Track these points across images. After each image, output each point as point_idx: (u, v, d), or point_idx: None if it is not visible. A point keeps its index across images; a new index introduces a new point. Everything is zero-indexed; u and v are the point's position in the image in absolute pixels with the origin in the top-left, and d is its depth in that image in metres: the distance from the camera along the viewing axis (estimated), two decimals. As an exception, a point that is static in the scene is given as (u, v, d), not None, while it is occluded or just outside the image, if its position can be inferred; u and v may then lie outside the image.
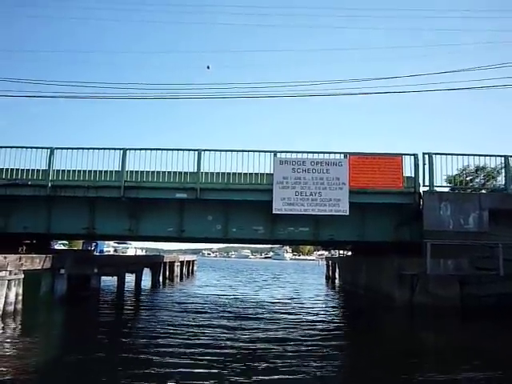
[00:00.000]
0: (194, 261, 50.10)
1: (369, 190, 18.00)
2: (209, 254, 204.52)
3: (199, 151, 18.32)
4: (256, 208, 19.45)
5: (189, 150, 18.43)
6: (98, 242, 53.44)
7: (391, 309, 18.35)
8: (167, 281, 35.62)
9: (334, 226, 19.78)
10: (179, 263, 40.55)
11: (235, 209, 19.81)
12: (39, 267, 15.84)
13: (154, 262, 31.91)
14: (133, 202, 18.97)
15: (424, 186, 18.08)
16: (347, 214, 17.80)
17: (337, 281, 38.27)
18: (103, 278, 26.21)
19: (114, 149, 18.57)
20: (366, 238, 19.81)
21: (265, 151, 18.29)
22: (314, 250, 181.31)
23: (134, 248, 70.48)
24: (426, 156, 18.00)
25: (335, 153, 18.53)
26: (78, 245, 76.40)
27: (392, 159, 18.15)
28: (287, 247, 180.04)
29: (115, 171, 18.52)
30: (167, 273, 36.40)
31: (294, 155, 18.42)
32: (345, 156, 18.25)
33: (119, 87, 39.67)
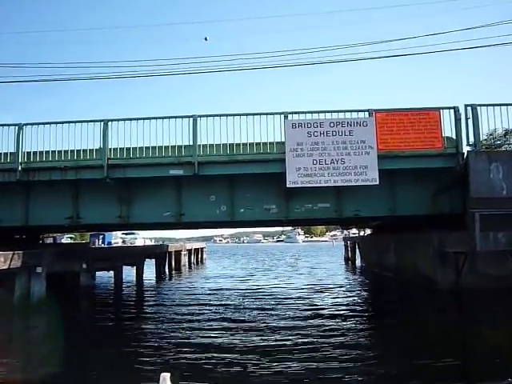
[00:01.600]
0: (202, 248, 47.35)
1: (401, 154, 14.90)
2: (220, 241, 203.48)
3: (194, 117, 15.26)
4: (267, 183, 16.50)
5: (182, 116, 15.40)
6: (106, 233, 51.58)
7: (433, 293, 15.36)
8: (174, 272, 32.90)
9: (360, 200, 16.74)
10: (186, 252, 37.84)
11: (242, 185, 16.83)
12: (5, 267, 12.93)
13: (157, 253, 29.05)
14: (121, 183, 16.03)
15: (468, 145, 14.95)
16: (377, 183, 14.75)
17: (357, 262, 35.32)
18: (100, 273, 23.73)
19: (94, 121, 15.60)
20: (399, 211, 16.75)
21: (273, 113, 15.22)
22: (327, 231, 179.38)
23: (142, 238, 67.75)
24: (469, 108, 14.83)
25: (358, 111, 15.39)
26: (87, 237, 74.40)
27: (428, 114, 14.99)
28: (299, 229, 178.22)
29: (96, 149, 15.58)
30: (173, 263, 33.64)
31: (308, 117, 15.32)
32: (370, 114, 15.11)
33: (112, 64, 36.46)
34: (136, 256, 24.11)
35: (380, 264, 24.92)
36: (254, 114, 15.16)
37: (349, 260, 38.74)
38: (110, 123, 15.45)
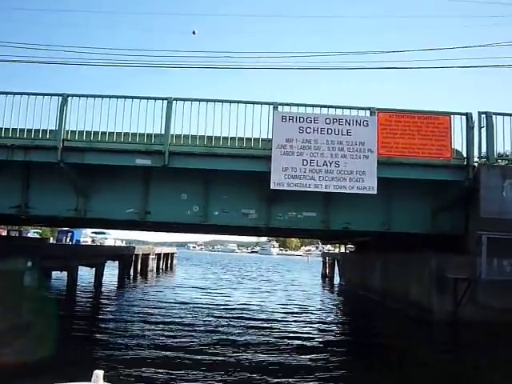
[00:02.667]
0: (173, 254, 44.80)
1: (404, 161, 12.99)
2: (194, 248, 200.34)
3: (169, 100, 13.12)
4: (247, 184, 14.44)
5: (155, 98, 13.26)
6: (75, 231, 49.08)
7: (427, 324, 13.43)
8: (139, 277, 30.45)
9: (351, 211, 14.77)
10: (155, 256, 35.34)
11: (219, 184, 14.71)
12: None
13: (121, 255, 26.57)
14: (78, 170, 13.73)
15: (480, 157, 13.13)
16: (375, 192, 12.78)
17: (336, 280, 33.33)
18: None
19: (51, 95, 13.34)
20: (394, 227, 14.82)
21: (261, 103, 13.17)
22: (301, 246, 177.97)
23: (113, 239, 64.76)
24: (483, 116, 13.03)
25: (358, 108, 13.42)
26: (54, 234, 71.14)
27: (437, 119, 13.12)
28: (274, 242, 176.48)
29: (51, 130, 13.30)
30: (139, 267, 31.19)
31: (301, 110, 13.32)
32: (372, 113, 13.18)
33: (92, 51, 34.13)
34: (95, 257, 21.67)
35: (363, 284, 22.95)
36: (238, 102, 13.11)
37: (326, 277, 36.74)
38: (69, 99, 13.21)
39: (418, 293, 14.86)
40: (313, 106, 13.40)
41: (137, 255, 30.87)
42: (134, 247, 32.31)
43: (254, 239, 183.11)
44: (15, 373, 6.71)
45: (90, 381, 3.37)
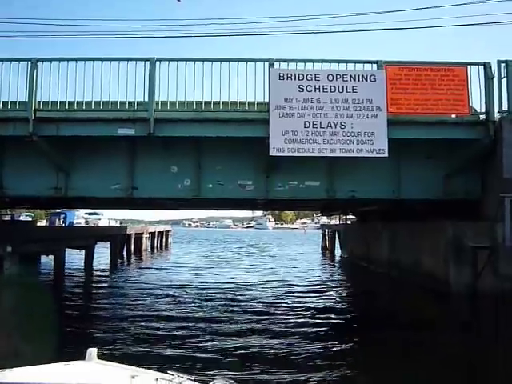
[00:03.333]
0: (168, 232, 43.60)
1: (419, 119, 11.68)
2: (189, 225, 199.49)
3: (152, 61, 11.65)
4: (243, 152, 13.16)
5: (136, 59, 11.78)
6: (67, 212, 47.89)
7: (442, 297, 12.31)
8: (133, 257, 29.27)
9: (357, 179, 13.50)
10: (149, 235, 34.14)
11: (211, 154, 13.39)
12: None
13: (112, 235, 25.27)
14: (55, 144, 12.33)
15: (501, 112, 11.82)
16: (386, 155, 11.47)
17: (337, 253, 32.29)
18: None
19: (20, 60, 11.88)
20: (404, 194, 13.56)
21: (255, 60, 11.77)
22: (297, 218, 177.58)
23: (107, 219, 63.39)
24: (503, 65, 11.68)
25: (364, 62, 12.01)
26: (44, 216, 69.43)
27: (452, 70, 11.76)
28: (270, 216, 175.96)
29: (21, 102, 11.86)
30: (132, 247, 29.99)
31: (300, 67, 11.89)
32: (379, 66, 11.78)
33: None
34: (84, 238, 20.39)
35: (367, 257, 21.85)
36: (229, 60, 11.70)
37: (326, 250, 35.67)
38: (40, 64, 11.72)
39: (432, 264, 13.74)
40: (312, 61, 11.99)
41: (129, 235, 29.64)
42: (126, 227, 31.06)
43: (249, 214, 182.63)
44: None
45: (83, 359, 3.53)
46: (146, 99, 11.65)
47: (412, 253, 15.51)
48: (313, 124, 11.29)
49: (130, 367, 3.44)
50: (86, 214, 58.31)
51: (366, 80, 11.49)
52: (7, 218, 45.41)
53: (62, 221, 45.77)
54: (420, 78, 11.66)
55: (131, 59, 11.73)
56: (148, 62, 11.64)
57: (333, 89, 11.41)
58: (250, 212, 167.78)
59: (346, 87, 11.43)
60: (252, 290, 15.94)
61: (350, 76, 11.49)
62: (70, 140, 12.53)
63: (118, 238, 25.99)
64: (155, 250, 36.67)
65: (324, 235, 37.12)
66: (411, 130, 11.81)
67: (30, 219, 66.32)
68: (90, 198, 14.49)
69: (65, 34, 14.52)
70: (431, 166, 13.44)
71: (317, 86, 11.40)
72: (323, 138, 11.28)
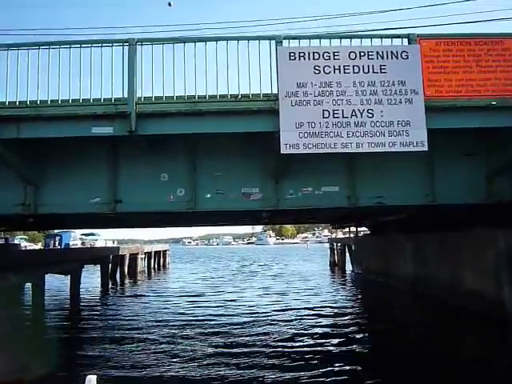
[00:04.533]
0: (165, 251, 41.18)
1: (466, 103, 9.44)
2: (189, 243, 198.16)
3: (132, 43, 9.43)
4: (247, 153, 11.07)
5: (111, 41, 9.58)
6: (62, 233, 46.14)
7: (498, 324, 10.03)
8: (128, 280, 26.88)
9: (383, 181, 11.29)
10: (144, 255, 31.72)
11: (209, 157, 11.20)
12: None
13: (103, 256, 22.87)
14: (20, 150, 10.12)
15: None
16: (425, 148, 9.20)
17: (348, 268, 29.87)
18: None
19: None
20: (440, 198, 11.28)
21: (258, 38, 9.57)
22: (298, 233, 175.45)
23: (103, 240, 61.34)
24: None
25: (392, 36, 9.80)
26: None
27: (501, 43, 9.57)
28: (270, 231, 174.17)
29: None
30: (126, 269, 27.62)
31: (314, 43, 9.69)
32: (411, 41, 9.58)
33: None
34: (69, 262, 18.03)
35: (386, 272, 19.53)
36: (227, 39, 9.50)
37: (335, 265, 33.20)
38: (-5, 51, 9.54)
39: (477, 281, 11.48)
40: (329, 36, 9.78)
41: (123, 256, 27.26)
42: (119, 247, 28.68)
43: (249, 230, 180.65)
44: None
45: None
46: (126, 92, 9.45)
47: (447, 268, 13.24)
48: (333, 113, 9.07)
49: None
50: (82, 235, 56.80)
51: (397, 57, 9.30)
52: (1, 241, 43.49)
53: (57, 243, 43.70)
54: (462, 54, 9.47)
55: (106, 42, 9.51)
56: (127, 46, 9.45)
57: (356, 69, 9.21)
58: (250, 228, 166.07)
59: (373, 67, 9.24)
60: (264, 323, 13.16)
61: (377, 53, 9.29)
62: (37, 145, 10.36)
63: (109, 259, 23.58)
64: (152, 271, 34.22)
65: (332, 250, 34.62)
66: (454, 118, 9.56)
67: (25, 242, 64.57)
68: (65, 215, 12.15)
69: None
70: (471, 163, 11.21)
71: (336, 67, 9.20)
72: (347, 129, 9.05)
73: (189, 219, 16.91)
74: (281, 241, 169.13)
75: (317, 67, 9.19)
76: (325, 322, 13.23)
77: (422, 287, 15.05)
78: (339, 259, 32.35)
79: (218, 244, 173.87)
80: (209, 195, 11.20)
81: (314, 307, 15.53)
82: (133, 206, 11.21)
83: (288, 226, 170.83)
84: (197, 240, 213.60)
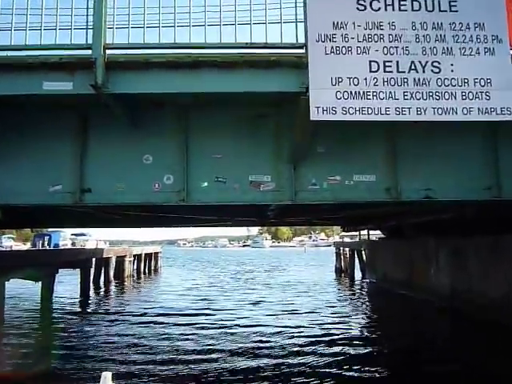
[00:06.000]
0: (157, 253, 38.36)
1: None
2: (184, 244, 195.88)
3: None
4: (256, 127, 8.33)
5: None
6: (52, 233, 43.79)
7: None
8: (113, 286, 24.10)
9: (432, 169, 8.62)
10: (132, 258, 28.92)
11: (206, 132, 8.49)
12: None
13: (82, 260, 20.01)
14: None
15: None
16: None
17: (357, 276, 27.16)
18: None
19: None
20: (506, 192, 8.65)
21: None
22: (294, 236, 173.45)
23: (95, 240, 58.66)
24: None
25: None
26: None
27: None
28: (266, 234, 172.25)
29: None
30: (111, 274, 24.85)
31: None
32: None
33: None
34: (38, 266, 15.23)
35: (409, 283, 16.85)
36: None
37: (342, 272, 30.44)
38: None
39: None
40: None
41: (107, 259, 24.45)
42: (103, 249, 25.87)
43: (244, 233, 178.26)
44: None
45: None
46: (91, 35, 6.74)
47: (500, 280, 10.56)
48: (384, 66, 6.38)
49: None
50: (72, 235, 54.47)
51: (472, -9, 6.64)
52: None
53: (46, 243, 41.01)
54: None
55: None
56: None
57: (416, 6, 6.52)
58: (246, 230, 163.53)
59: (439, 3, 6.56)
60: (274, 353, 10.30)
61: (445, -16, 6.63)
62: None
63: (90, 263, 20.75)
64: (142, 275, 31.42)
65: (338, 255, 31.78)
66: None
67: (12, 242, 62.05)
68: (15, 206, 9.36)
69: None
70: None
71: (389, 1, 6.52)
72: (403, 89, 6.37)
73: (179, 217, 14.07)
74: (277, 244, 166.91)
75: (361, 2, 6.51)
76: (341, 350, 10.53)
77: (463, 304, 12.38)
78: (346, 265, 29.61)
79: (216, 246, 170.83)
80: (206, 184, 8.49)
81: (329, 327, 12.72)
82: (105, 196, 8.46)
83: (284, 229, 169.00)
84: (192, 242, 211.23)
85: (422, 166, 8.61)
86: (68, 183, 8.40)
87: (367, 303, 18.23)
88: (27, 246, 56.96)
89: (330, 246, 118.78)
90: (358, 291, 21.82)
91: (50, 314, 14.65)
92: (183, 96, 7.62)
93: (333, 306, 16.71)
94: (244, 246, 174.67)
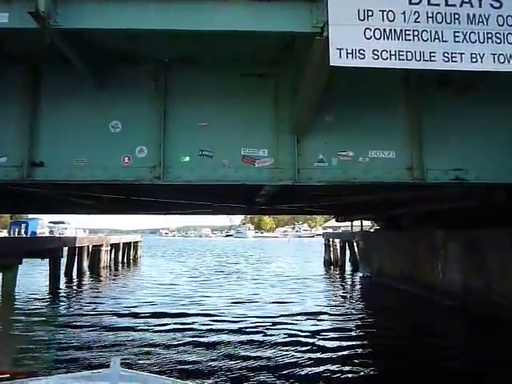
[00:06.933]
0: (137, 243, 36.54)
1: None
2: (166, 234, 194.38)
3: None
4: (250, 87, 6.74)
5: None
6: (29, 220, 42.31)
7: None
8: (88, 278, 22.34)
9: (463, 147, 7.09)
10: (109, 247, 27.10)
11: (189, 94, 6.87)
12: None
13: (51, 249, 18.10)
14: None
15: None
16: None
17: (347, 268, 25.76)
18: None
19: None
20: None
21: None
22: (277, 227, 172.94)
23: (74, 228, 56.67)
24: None
25: None
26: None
27: None
28: (249, 224, 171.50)
29: None
30: (85, 264, 23.07)
31: None
32: None
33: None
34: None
35: (410, 278, 15.42)
36: None
37: (331, 264, 28.96)
38: None
39: None
40: None
41: (81, 248, 22.60)
42: (75, 237, 23.99)
43: (227, 222, 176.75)
44: None
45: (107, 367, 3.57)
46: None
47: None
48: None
49: (156, 376, 4.02)
50: (50, 222, 52.70)
51: None
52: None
53: (23, 230, 39.58)
54: None
55: None
56: None
57: None
58: (229, 220, 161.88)
59: None
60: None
61: None
62: None
63: (60, 253, 18.88)
64: (120, 266, 29.63)
65: (328, 246, 30.26)
66: None
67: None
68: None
69: None
70: None
71: None
72: (453, 28, 4.77)
73: (155, 202, 12.24)
74: (260, 234, 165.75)
75: None
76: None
77: (479, 303, 10.95)
78: (336, 258, 28.17)
79: (200, 236, 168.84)
80: (187, 158, 6.84)
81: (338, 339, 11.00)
82: (61, 172, 6.75)
83: (267, 219, 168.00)
84: (174, 231, 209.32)
85: (453, 140, 7.07)
86: (14, 155, 6.68)
87: (367, 300, 16.52)
88: (3, 234, 54.76)
89: (313, 236, 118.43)
90: (354, 287, 20.23)
91: (10, 314, 12.78)
92: (161, 47, 6.05)
93: (331, 306, 14.92)
94: (227, 236, 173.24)
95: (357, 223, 24.93)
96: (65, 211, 20.80)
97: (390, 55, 4.65)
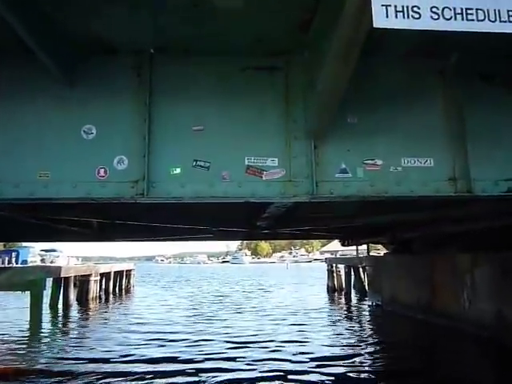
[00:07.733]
0: (130, 271, 34.85)
1: None
2: (162, 261, 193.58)
3: None
4: (256, 82, 5.49)
5: None
6: (20, 249, 41.14)
7: None
8: (75, 312, 20.72)
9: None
10: (99, 277, 25.48)
11: (179, 91, 5.55)
12: None
13: (33, 281, 16.46)
14: None
15: None
16: None
17: (353, 296, 24.19)
18: None
19: None
20: None
21: None
22: (273, 252, 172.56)
23: (67, 256, 55.09)
24: None
25: None
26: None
27: None
28: (246, 250, 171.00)
29: None
30: (72, 296, 21.48)
31: None
32: None
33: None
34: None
35: (429, 307, 13.96)
36: None
37: (335, 291, 27.31)
38: None
39: None
40: None
41: (67, 279, 21.01)
42: (61, 267, 22.40)
43: (224, 249, 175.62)
44: None
45: None
46: None
47: None
48: None
49: None
50: (41, 250, 51.78)
51: None
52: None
53: (14, 259, 38.69)
54: None
55: None
56: None
57: None
58: (225, 246, 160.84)
59: None
60: None
61: None
62: None
63: (42, 285, 17.28)
64: (111, 296, 27.92)
65: (331, 272, 28.65)
66: None
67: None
68: None
69: None
70: None
71: None
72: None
73: (147, 226, 10.84)
74: (256, 260, 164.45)
75: None
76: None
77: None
78: (340, 284, 26.62)
79: (198, 263, 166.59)
80: (178, 170, 5.48)
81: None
82: (20, 189, 5.37)
83: (263, 245, 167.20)
84: (170, 258, 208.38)
85: (504, 144, 5.77)
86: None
87: (385, 333, 14.78)
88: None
89: (310, 261, 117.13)
90: (364, 317, 18.55)
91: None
92: (145, 32, 4.81)
93: (347, 346, 12.94)
94: (223, 262, 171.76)
95: (362, 247, 23.58)
96: (52, 239, 19.06)
97: (455, 14, 3.35)
